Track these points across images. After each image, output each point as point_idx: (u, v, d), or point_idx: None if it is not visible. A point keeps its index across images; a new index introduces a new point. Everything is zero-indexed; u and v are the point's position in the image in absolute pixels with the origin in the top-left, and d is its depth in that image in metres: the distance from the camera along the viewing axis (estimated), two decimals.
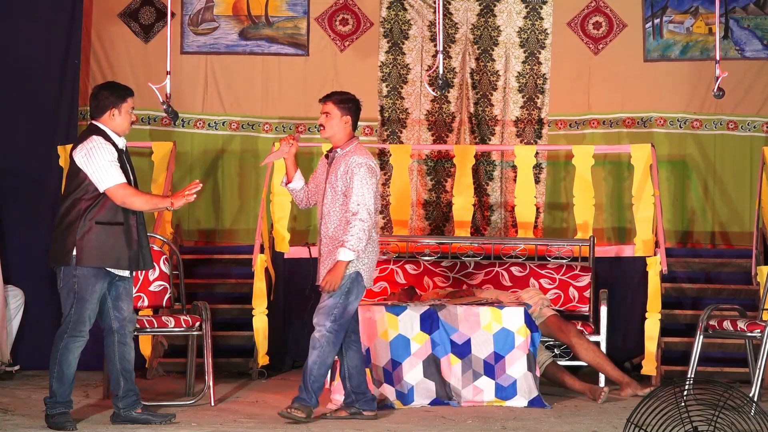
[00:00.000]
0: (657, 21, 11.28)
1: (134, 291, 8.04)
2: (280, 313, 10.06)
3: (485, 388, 8.14)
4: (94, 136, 7.08)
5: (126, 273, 7.19)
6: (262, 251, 9.78)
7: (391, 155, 10.63)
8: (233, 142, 11.50)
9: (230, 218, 11.45)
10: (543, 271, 9.50)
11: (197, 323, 8.24)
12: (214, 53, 11.51)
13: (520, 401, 8.12)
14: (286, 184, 7.65)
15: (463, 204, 10.33)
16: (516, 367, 8.13)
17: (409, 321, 8.15)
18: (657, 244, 9.57)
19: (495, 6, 11.45)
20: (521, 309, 8.21)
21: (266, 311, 9.70)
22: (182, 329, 8.23)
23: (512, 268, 9.55)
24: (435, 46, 11.17)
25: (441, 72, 8.70)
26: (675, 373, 9.25)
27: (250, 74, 11.51)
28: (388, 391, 8.08)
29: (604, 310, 9.06)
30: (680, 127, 11.29)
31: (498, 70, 11.43)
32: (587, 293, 9.35)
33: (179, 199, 7.13)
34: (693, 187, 11.26)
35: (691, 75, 11.20)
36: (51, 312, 9.39)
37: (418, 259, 9.76)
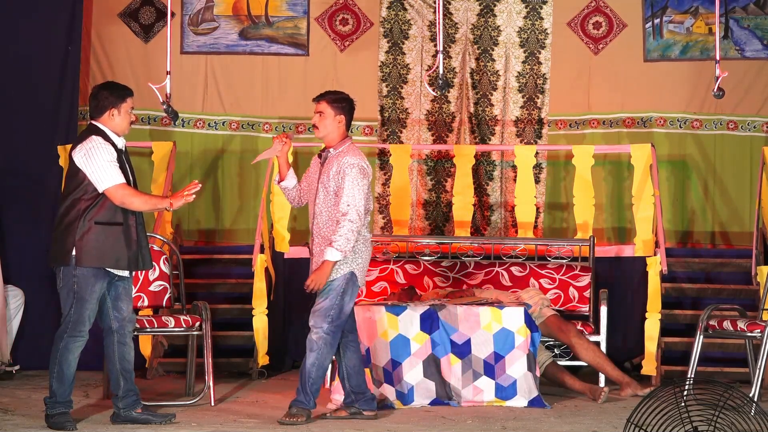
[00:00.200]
0: (657, 21, 11.28)
1: (134, 291, 8.04)
2: (280, 313, 10.06)
3: (485, 388, 8.14)
4: (94, 136, 7.07)
5: (125, 273, 7.19)
6: (262, 251, 9.78)
7: (391, 155, 10.62)
8: (233, 142, 11.49)
9: (230, 218, 11.44)
10: (543, 271, 9.49)
11: (197, 323, 8.23)
12: (214, 53, 11.51)
13: (520, 401, 8.11)
14: (279, 182, 7.65)
15: (463, 204, 10.33)
16: (516, 367, 8.12)
17: (409, 321, 8.15)
18: (657, 244, 9.56)
19: (495, 6, 11.44)
20: (521, 309, 8.20)
21: (266, 311, 9.69)
22: (182, 329, 8.23)
23: (512, 268, 9.54)
24: (435, 46, 11.17)
25: (441, 72, 8.69)
26: (675, 373, 9.24)
27: (250, 74, 11.50)
28: (388, 391, 8.07)
29: (604, 310, 9.05)
30: (680, 127, 11.28)
31: (498, 70, 11.43)
32: (587, 293, 9.34)
33: (178, 199, 7.13)
34: (693, 187, 11.26)
35: (691, 75, 11.20)
36: (51, 312, 9.38)
37: (418, 259, 9.76)
